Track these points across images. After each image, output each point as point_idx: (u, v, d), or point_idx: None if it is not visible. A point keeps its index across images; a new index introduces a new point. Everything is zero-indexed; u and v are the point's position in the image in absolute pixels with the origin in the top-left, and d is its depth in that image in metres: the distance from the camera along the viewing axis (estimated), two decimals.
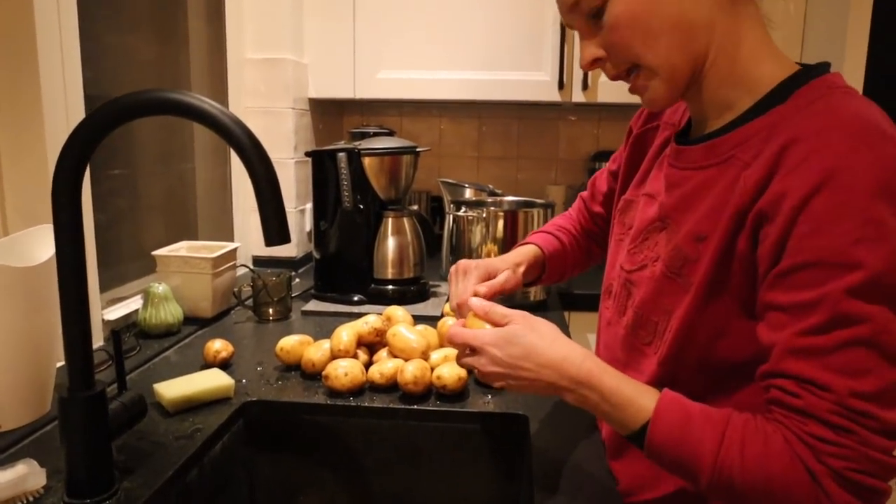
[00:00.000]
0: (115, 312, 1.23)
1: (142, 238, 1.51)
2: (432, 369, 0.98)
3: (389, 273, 1.46)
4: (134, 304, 1.29)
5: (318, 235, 1.50)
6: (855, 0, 1.52)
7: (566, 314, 1.61)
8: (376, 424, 0.95)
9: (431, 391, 0.98)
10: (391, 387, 0.99)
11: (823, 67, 0.68)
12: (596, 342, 0.91)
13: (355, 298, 1.45)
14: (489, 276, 0.91)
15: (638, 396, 0.65)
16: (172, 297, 1.24)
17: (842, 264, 0.56)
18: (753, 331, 0.64)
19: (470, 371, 0.86)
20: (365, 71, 1.87)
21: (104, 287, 1.26)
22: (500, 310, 0.76)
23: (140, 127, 1.49)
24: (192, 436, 0.85)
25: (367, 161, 1.43)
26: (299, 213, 1.85)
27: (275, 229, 0.63)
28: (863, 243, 0.55)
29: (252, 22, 1.74)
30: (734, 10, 0.68)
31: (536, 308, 1.48)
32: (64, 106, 1.04)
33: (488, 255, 1.49)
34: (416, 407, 0.95)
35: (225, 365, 1.07)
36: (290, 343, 1.06)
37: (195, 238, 1.70)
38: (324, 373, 0.97)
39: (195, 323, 1.30)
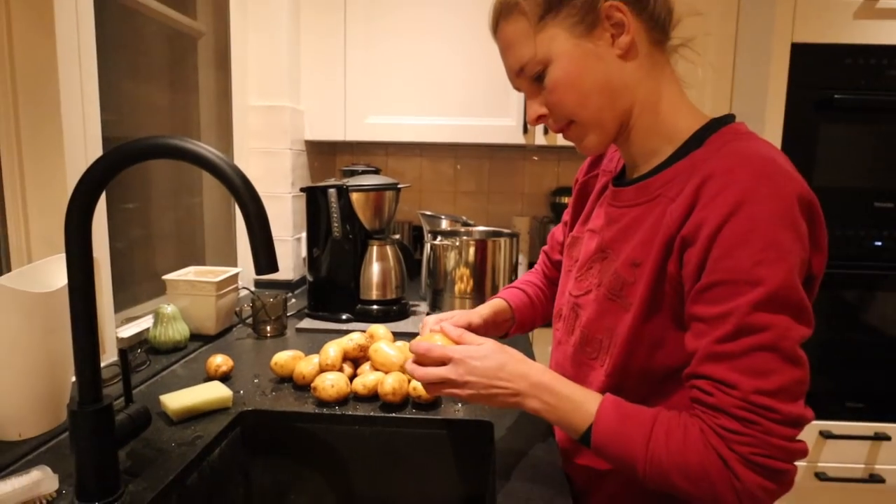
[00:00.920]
0: (129, 330, 1.22)
1: (155, 263, 1.49)
2: (409, 381, 0.97)
3: (374, 294, 1.46)
4: (146, 322, 1.28)
5: (312, 261, 1.49)
6: (775, 62, 1.56)
7: (529, 333, 1.60)
8: (359, 431, 0.94)
9: (408, 401, 0.98)
10: (373, 397, 0.98)
11: (729, 118, 0.71)
12: (550, 360, 0.91)
13: (344, 317, 1.45)
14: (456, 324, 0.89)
15: (584, 402, 0.66)
16: (180, 317, 1.22)
17: (746, 281, 0.58)
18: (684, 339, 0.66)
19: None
20: (354, 116, 1.88)
21: (119, 307, 1.24)
22: (471, 336, 0.76)
23: (154, 166, 1.48)
24: (193, 442, 0.83)
25: (354, 196, 1.44)
26: (296, 241, 1.84)
27: (264, 260, 0.62)
28: (764, 264, 0.58)
29: (255, 73, 1.75)
30: (654, 73, 0.71)
31: None
32: (83, 145, 1.03)
33: (461, 279, 1.50)
34: (394, 415, 0.94)
35: (225, 378, 1.06)
36: (284, 358, 1.05)
37: (203, 263, 1.69)
38: (313, 385, 0.97)
39: (200, 339, 1.28)
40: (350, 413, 0.94)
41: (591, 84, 0.68)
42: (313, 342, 1.30)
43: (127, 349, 0.72)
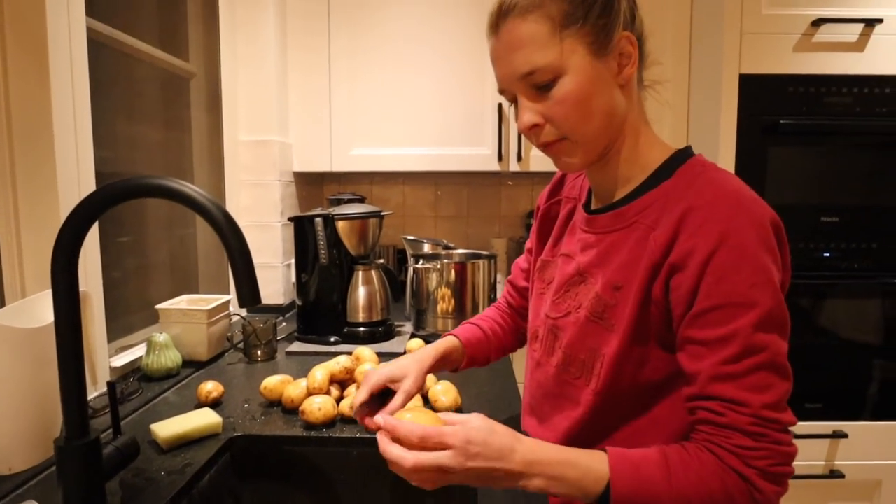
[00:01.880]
0: (122, 359, 1.17)
1: (149, 293, 1.45)
2: None
3: (360, 317, 1.43)
4: (139, 350, 1.23)
5: (300, 286, 1.46)
6: (725, 93, 1.58)
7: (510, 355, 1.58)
8: (346, 452, 0.91)
9: None
10: None
11: (689, 150, 0.71)
12: (525, 380, 0.86)
13: (332, 339, 1.41)
14: (394, 380, 0.76)
15: (590, 464, 0.59)
16: (172, 345, 1.18)
17: (743, 304, 0.58)
18: (666, 356, 0.65)
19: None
20: (340, 148, 1.86)
21: (114, 336, 1.20)
22: (435, 437, 0.59)
23: (148, 200, 1.44)
24: (183, 470, 0.79)
25: (339, 224, 1.41)
26: (285, 267, 1.80)
27: (247, 293, 0.60)
28: (757, 287, 0.58)
29: (245, 110, 1.73)
30: (637, 108, 0.72)
31: None
32: (77, 185, 0.99)
33: (443, 299, 1.47)
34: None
35: (216, 403, 1.02)
36: (273, 382, 1.02)
37: (196, 291, 1.65)
38: (300, 408, 0.93)
39: (192, 366, 1.24)
40: (337, 435, 0.91)
41: (598, 105, 0.66)
42: (302, 365, 1.26)
43: (115, 381, 0.69)
